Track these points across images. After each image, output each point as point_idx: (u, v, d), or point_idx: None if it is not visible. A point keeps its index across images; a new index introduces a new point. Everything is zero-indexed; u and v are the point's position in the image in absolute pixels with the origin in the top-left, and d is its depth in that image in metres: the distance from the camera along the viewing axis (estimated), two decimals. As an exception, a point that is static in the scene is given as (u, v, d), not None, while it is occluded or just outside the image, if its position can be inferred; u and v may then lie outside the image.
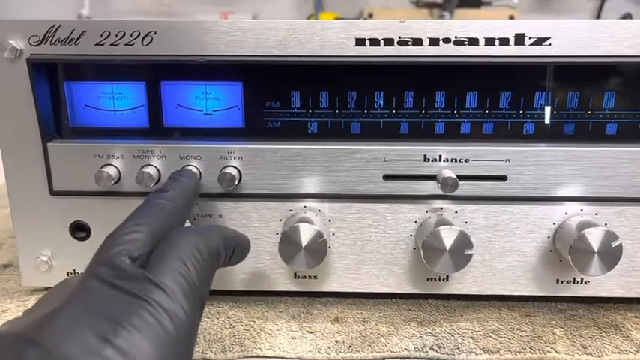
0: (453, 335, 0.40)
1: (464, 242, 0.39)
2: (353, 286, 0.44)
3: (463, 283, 0.43)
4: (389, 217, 0.42)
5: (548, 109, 0.41)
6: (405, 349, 0.38)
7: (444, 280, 0.44)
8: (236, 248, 0.34)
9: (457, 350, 0.38)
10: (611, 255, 0.39)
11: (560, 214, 0.42)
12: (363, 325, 0.41)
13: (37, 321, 0.24)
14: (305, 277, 0.44)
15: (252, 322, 0.41)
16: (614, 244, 0.39)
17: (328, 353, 0.38)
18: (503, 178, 0.41)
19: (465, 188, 0.41)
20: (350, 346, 0.39)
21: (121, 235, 0.29)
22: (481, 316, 0.42)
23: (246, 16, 1.18)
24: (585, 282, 0.43)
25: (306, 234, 0.39)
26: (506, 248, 0.42)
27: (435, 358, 0.38)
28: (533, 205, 0.42)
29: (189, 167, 0.41)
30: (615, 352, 0.38)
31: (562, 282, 0.43)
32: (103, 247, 0.29)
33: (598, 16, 1.38)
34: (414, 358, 0.38)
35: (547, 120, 0.41)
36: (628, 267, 0.42)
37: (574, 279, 0.43)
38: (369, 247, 0.43)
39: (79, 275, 0.29)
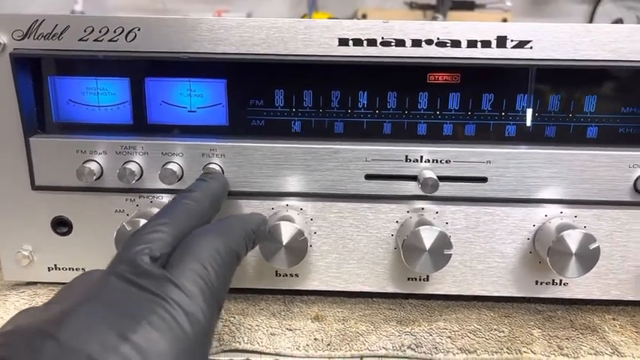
0: (431, 335, 0.40)
1: (443, 242, 0.39)
2: (334, 285, 0.44)
3: (443, 283, 0.44)
4: (370, 216, 0.42)
5: (529, 112, 0.41)
6: (383, 347, 0.39)
7: (424, 280, 0.44)
8: (256, 239, 0.34)
9: (435, 350, 0.38)
10: (588, 257, 0.39)
11: (540, 216, 0.42)
12: (343, 323, 0.41)
13: (57, 316, 0.25)
14: (286, 276, 0.44)
15: (232, 319, 0.41)
16: (592, 246, 0.39)
17: (307, 350, 0.38)
18: (483, 180, 0.41)
19: (446, 189, 0.41)
20: (328, 344, 0.39)
21: (145, 234, 0.30)
22: (460, 317, 0.43)
23: (241, 14, 1.18)
24: (564, 284, 0.43)
25: (287, 232, 0.39)
26: (486, 249, 0.43)
27: (413, 357, 0.38)
28: (514, 206, 0.42)
29: (212, 166, 0.41)
30: (591, 354, 0.38)
31: (541, 283, 0.43)
32: (127, 244, 0.29)
33: (591, 21, 1.39)
34: (392, 357, 0.38)
35: (529, 122, 0.41)
36: (606, 270, 0.43)
37: (553, 280, 0.43)
38: (351, 246, 0.43)
39: (99, 270, 0.29)
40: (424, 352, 0.38)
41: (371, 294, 0.45)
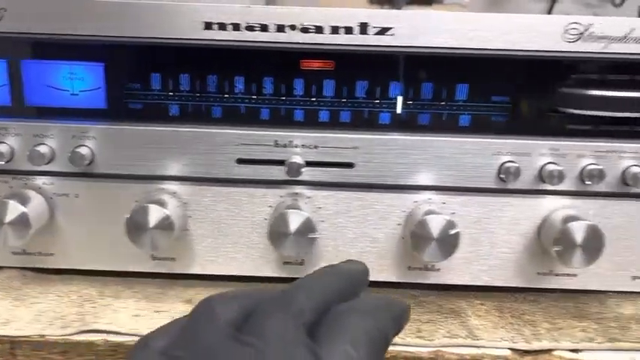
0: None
1: (308, 226, 0.40)
2: (211, 269, 0.45)
3: (318, 267, 0.44)
4: (244, 201, 0.43)
5: (400, 99, 0.42)
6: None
7: (299, 264, 0.44)
8: (402, 324, 0.31)
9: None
10: (448, 243, 0.40)
11: (410, 202, 0.43)
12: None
13: None
14: (163, 259, 0.44)
15: (102, 300, 0.42)
16: (452, 232, 0.40)
17: (167, 332, 0.38)
18: (350, 165, 0.42)
19: (317, 174, 0.42)
20: (190, 326, 0.39)
21: (308, 297, 0.27)
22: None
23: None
24: (437, 269, 0.44)
25: (153, 215, 0.40)
26: (358, 234, 0.43)
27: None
28: (383, 192, 0.42)
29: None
30: (446, 337, 0.39)
31: (414, 269, 0.44)
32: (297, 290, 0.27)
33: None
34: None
35: (399, 109, 0.42)
36: (476, 256, 0.44)
37: (425, 266, 0.44)
38: (226, 231, 0.44)
39: (235, 321, 0.26)
40: (283, 334, 0.39)
41: (249, 278, 0.45)
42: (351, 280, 0.31)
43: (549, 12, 1.62)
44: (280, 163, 0.41)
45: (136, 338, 0.35)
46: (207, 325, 0.25)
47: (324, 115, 0.42)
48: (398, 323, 0.30)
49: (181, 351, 0.24)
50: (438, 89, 0.41)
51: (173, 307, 0.41)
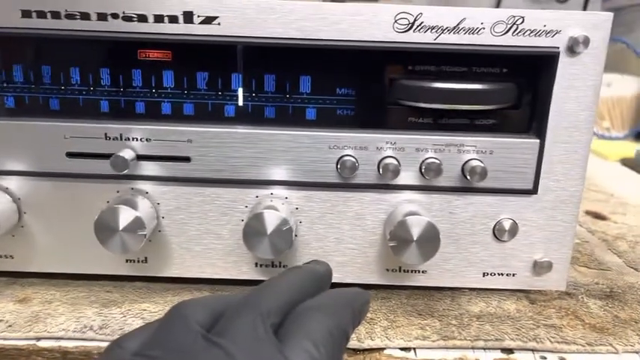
0: (125, 317, 0.39)
1: (137, 224, 0.39)
2: (55, 267, 0.43)
3: (163, 265, 0.43)
4: (79, 196, 0.41)
5: (240, 91, 0.40)
6: (64, 329, 0.38)
7: (142, 261, 0.43)
8: (360, 319, 0.32)
9: (120, 332, 0.38)
10: (281, 239, 0.39)
11: (251, 197, 0.41)
12: (45, 305, 0.40)
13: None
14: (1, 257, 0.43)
15: None
16: (285, 227, 0.39)
17: (-18, 333, 0.37)
18: (187, 159, 0.40)
19: (152, 168, 0.41)
20: (10, 326, 0.38)
21: (274, 295, 0.29)
22: (171, 299, 0.42)
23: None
24: (283, 265, 0.43)
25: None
26: (201, 230, 0.42)
27: (90, 339, 0.37)
28: (224, 187, 0.41)
29: None
30: (275, 335, 0.38)
31: (261, 266, 0.43)
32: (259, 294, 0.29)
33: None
34: (69, 338, 0.37)
35: (240, 102, 0.41)
36: (323, 252, 0.42)
37: (272, 263, 0.43)
38: (68, 227, 0.42)
39: (203, 322, 0.27)
40: (105, 334, 0.37)
41: (94, 276, 0.44)
42: (315, 279, 0.33)
43: (497, 6, 1.62)
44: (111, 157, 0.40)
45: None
46: (179, 326, 0.26)
47: (158, 108, 0.41)
48: (358, 317, 0.31)
49: (155, 351, 0.25)
50: (270, 80, 0.40)
51: (4, 307, 0.40)
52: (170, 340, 0.26)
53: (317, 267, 0.34)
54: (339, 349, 0.28)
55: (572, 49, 0.37)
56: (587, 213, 0.65)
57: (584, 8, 1.49)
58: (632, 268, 0.50)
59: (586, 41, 0.37)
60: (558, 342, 0.38)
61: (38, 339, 0.37)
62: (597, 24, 0.37)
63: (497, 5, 1.60)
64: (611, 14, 0.38)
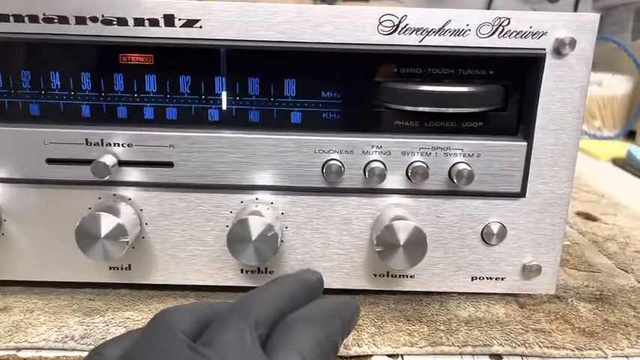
0: (107, 325, 0.38)
1: (119, 231, 0.38)
2: (38, 275, 0.42)
3: (148, 272, 0.42)
4: (61, 202, 0.41)
5: (224, 95, 0.40)
6: (45, 339, 0.37)
7: (126, 269, 0.42)
8: (350, 329, 0.32)
9: (102, 340, 0.37)
10: (266, 245, 0.38)
11: (236, 202, 0.41)
12: (26, 314, 0.40)
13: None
14: (-20, 265, 0.42)
15: None
16: (270, 233, 0.38)
17: (-40, 344, 0.36)
18: (169, 165, 0.40)
19: (135, 174, 0.40)
20: (-11, 337, 0.37)
21: (259, 305, 0.28)
22: (157, 306, 0.41)
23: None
24: (270, 271, 0.42)
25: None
26: (185, 237, 0.41)
27: (71, 349, 0.36)
28: (208, 192, 0.40)
29: None
30: (260, 343, 0.37)
31: (246, 272, 0.42)
32: (246, 302, 0.28)
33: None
34: (50, 348, 0.36)
35: (224, 106, 0.40)
36: (309, 257, 0.42)
37: (258, 269, 0.42)
38: (50, 234, 0.41)
39: (186, 331, 0.26)
40: (86, 344, 0.37)
41: (77, 284, 0.43)
42: (306, 288, 0.32)
43: (488, 7, 1.62)
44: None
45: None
46: (163, 335, 0.25)
47: (140, 112, 0.40)
48: (347, 327, 0.31)
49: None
50: (254, 84, 0.39)
51: None
52: (154, 350, 0.25)
53: (308, 276, 0.34)
54: None
55: (559, 50, 0.37)
56: (578, 214, 0.65)
57: (575, 8, 1.49)
58: (622, 269, 0.50)
59: (572, 43, 0.37)
60: (547, 347, 0.38)
61: (18, 349, 0.36)
62: (583, 25, 0.37)
63: (489, 5, 1.60)
64: (597, 15, 0.37)
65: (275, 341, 0.27)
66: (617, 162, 0.92)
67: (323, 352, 0.27)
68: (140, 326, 0.39)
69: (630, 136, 1.10)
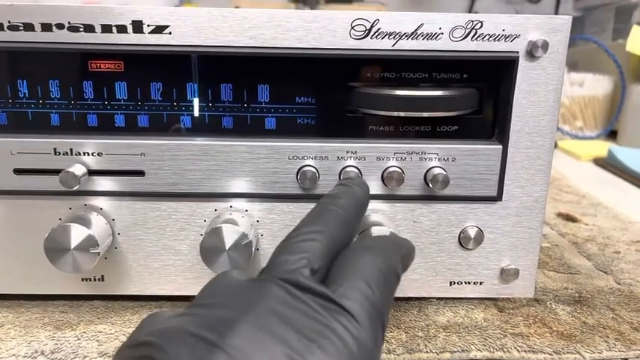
0: (79, 339, 0.38)
1: (90, 242, 0.37)
2: (8, 289, 0.41)
3: (120, 283, 0.41)
4: (31, 213, 0.40)
5: (196, 101, 0.39)
6: (14, 354, 0.36)
7: (99, 280, 0.41)
8: (408, 264, 0.31)
9: (72, 354, 0.36)
10: (240, 253, 0.37)
11: (210, 210, 0.40)
12: (-5, 329, 0.39)
13: (217, 324, 0.22)
14: (-53, 279, 0.41)
15: None
16: (244, 242, 0.37)
17: None
18: (141, 173, 0.39)
19: (106, 183, 0.39)
20: (-45, 353, 0.36)
21: (299, 242, 0.27)
22: (130, 318, 0.40)
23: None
24: (246, 280, 0.42)
25: None
26: (159, 246, 0.41)
27: (40, 364, 0.35)
28: (180, 201, 0.40)
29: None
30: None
31: (222, 281, 0.42)
32: (281, 252, 0.27)
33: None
34: (19, 364, 0.35)
35: (196, 113, 0.39)
36: (286, 265, 0.41)
37: (234, 278, 0.42)
38: (20, 246, 0.40)
39: (241, 273, 0.27)
40: (57, 358, 0.36)
41: (49, 296, 0.42)
42: (358, 206, 0.33)
43: (470, 10, 1.63)
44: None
45: None
46: (224, 278, 0.27)
47: (110, 120, 0.39)
48: (405, 261, 0.30)
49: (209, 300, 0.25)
50: (226, 90, 0.39)
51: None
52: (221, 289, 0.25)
53: (356, 190, 0.34)
54: (391, 291, 0.28)
55: (532, 53, 0.37)
56: (559, 215, 0.65)
57: (557, 8, 1.50)
58: (601, 271, 0.50)
59: (545, 45, 0.37)
60: (525, 351, 0.38)
61: (-15, 366, 0.35)
62: (556, 27, 0.37)
63: (471, 6, 1.61)
64: (570, 17, 0.37)
65: (336, 270, 0.27)
66: (599, 162, 0.93)
67: (388, 280, 0.27)
68: (113, 339, 0.38)
69: (611, 135, 1.11)
